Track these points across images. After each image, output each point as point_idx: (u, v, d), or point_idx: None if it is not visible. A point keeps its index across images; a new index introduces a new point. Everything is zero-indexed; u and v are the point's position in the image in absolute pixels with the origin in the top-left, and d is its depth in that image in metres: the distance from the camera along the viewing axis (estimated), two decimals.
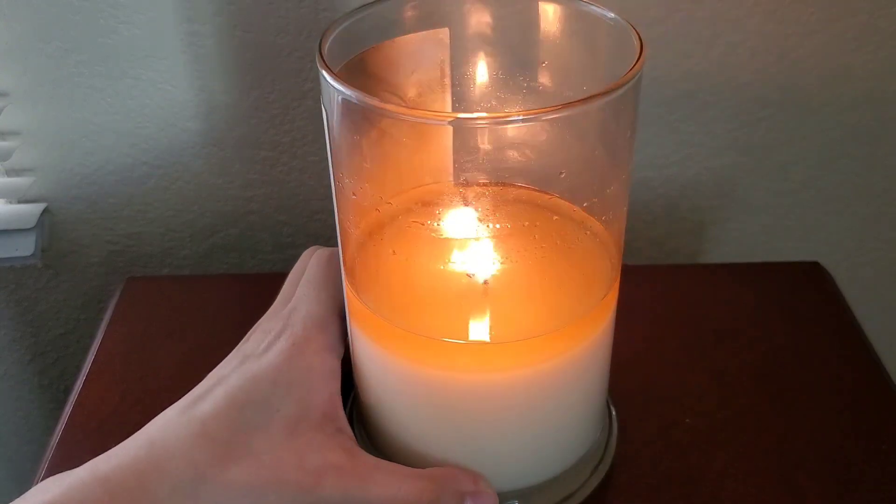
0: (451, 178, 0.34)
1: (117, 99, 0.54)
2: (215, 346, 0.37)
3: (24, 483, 0.35)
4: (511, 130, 0.29)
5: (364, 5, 0.33)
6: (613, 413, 0.41)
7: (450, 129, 0.31)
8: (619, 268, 0.35)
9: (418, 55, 0.34)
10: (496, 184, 0.33)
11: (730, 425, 0.42)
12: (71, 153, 0.56)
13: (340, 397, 0.35)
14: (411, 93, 0.35)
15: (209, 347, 0.38)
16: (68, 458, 0.41)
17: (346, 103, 0.29)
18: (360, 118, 0.30)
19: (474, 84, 0.36)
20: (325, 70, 0.29)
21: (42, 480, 0.32)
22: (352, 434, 0.35)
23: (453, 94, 0.36)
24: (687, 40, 0.53)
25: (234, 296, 0.51)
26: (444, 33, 0.34)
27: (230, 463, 0.32)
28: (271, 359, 0.34)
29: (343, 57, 0.32)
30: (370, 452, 0.38)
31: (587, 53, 0.35)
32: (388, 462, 0.34)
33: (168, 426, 0.33)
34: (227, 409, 0.33)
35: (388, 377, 0.35)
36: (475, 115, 0.29)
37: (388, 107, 0.29)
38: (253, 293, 0.52)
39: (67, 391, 0.53)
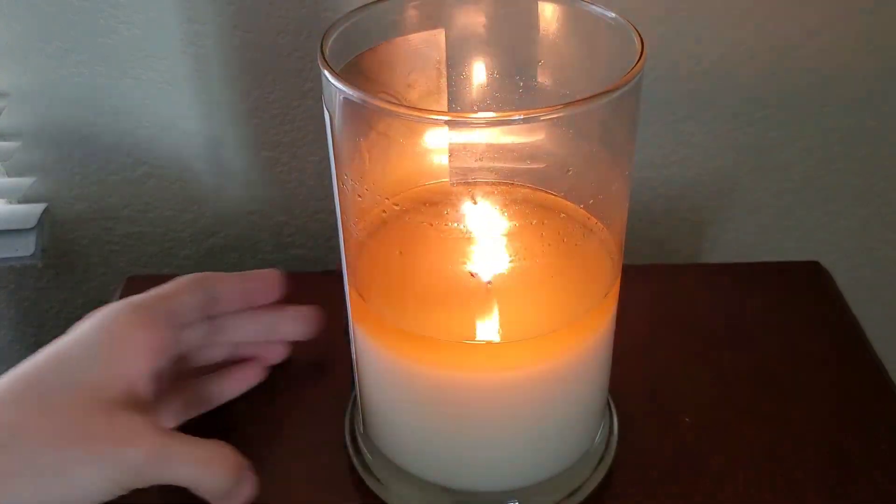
0: (450, 178, 0.35)
1: (117, 99, 0.54)
2: None
3: None
4: (514, 130, 0.29)
5: (365, 5, 0.33)
6: (614, 413, 0.42)
7: (451, 129, 0.31)
8: (620, 267, 0.35)
9: (415, 56, 0.34)
10: (500, 183, 0.33)
11: (730, 425, 0.42)
12: (71, 153, 0.56)
13: (152, 378, 0.35)
14: (409, 93, 0.35)
15: None
16: None
17: (349, 103, 0.29)
18: (362, 118, 0.30)
19: (475, 85, 0.36)
20: (328, 70, 0.29)
21: None
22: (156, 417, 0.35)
23: (454, 95, 0.36)
24: (687, 40, 0.53)
25: None
26: (439, 34, 0.34)
27: (39, 416, 0.32)
28: (90, 321, 0.36)
29: (344, 57, 0.32)
30: (370, 451, 0.38)
31: (587, 53, 0.35)
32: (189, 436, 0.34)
33: None
34: (45, 362, 0.34)
35: (389, 376, 0.35)
36: (478, 115, 0.29)
37: (391, 106, 0.29)
38: None
39: None
